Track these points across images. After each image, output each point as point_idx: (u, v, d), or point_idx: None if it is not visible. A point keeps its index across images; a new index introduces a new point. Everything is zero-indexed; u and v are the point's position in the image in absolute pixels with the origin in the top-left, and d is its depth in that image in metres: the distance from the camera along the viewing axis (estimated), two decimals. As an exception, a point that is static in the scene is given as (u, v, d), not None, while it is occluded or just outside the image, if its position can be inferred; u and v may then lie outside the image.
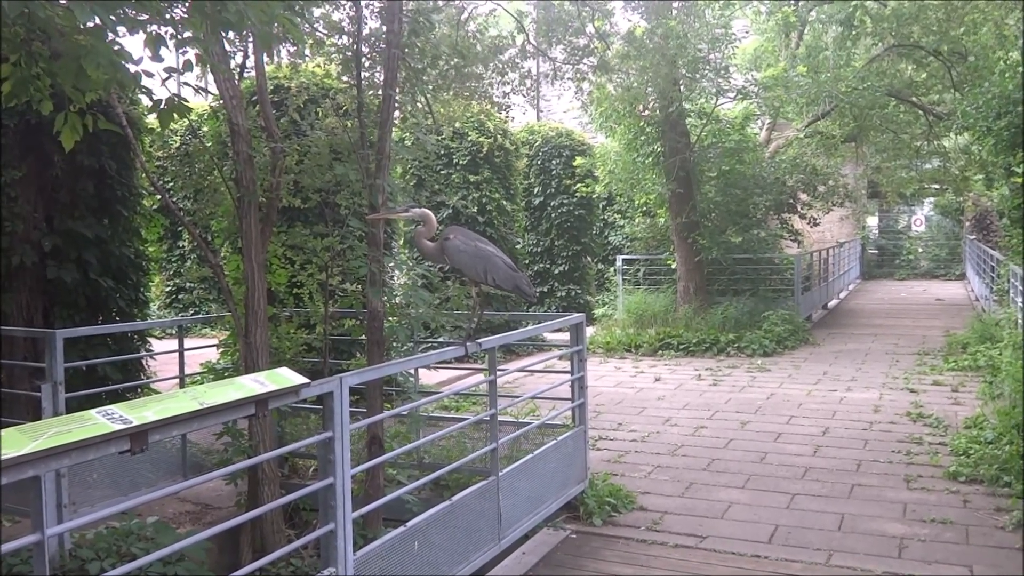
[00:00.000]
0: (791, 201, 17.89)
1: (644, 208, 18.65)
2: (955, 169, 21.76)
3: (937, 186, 27.23)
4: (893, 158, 22.99)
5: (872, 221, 33.84)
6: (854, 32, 16.68)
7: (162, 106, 4.45)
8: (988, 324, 14.29)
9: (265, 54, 6.33)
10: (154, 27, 4.00)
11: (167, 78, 4.44)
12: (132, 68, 4.02)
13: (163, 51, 4.02)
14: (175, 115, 4.49)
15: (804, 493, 7.00)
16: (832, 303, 22.63)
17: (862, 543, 5.88)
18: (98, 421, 2.68)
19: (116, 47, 3.88)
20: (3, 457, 2.34)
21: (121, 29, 3.92)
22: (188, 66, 4.39)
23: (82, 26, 3.62)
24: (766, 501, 6.83)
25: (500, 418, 5.59)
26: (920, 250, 32.36)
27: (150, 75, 4.27)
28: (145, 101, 5.00)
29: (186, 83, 5.44)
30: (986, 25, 15.51)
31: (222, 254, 8.84)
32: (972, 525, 6.16)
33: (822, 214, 19.21)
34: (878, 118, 18.24)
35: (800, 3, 18.26)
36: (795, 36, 18.79)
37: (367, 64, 6.41)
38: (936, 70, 17.18)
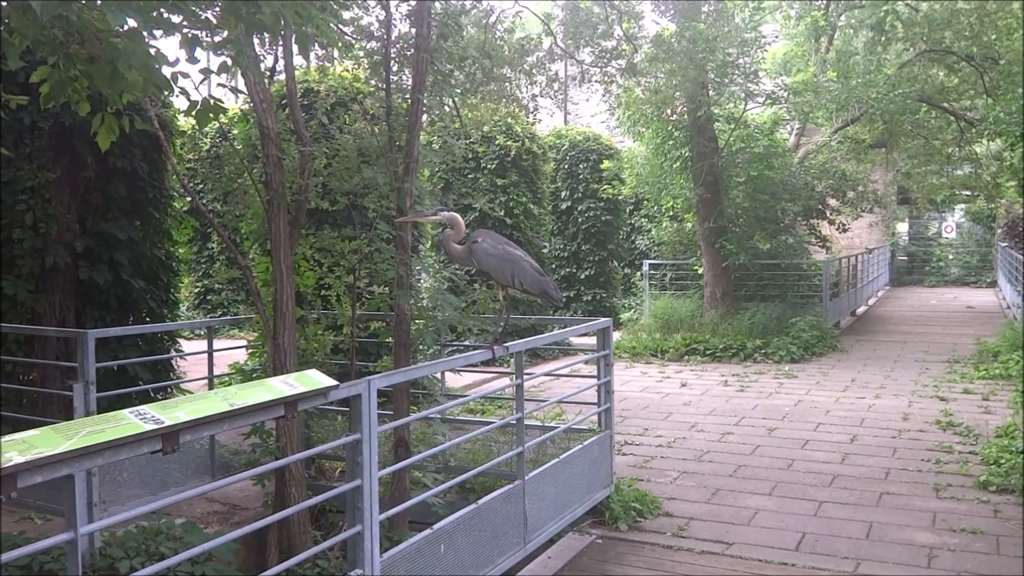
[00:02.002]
0: (820, 207, 17.73)
1: (671, 213, 18.59)
2: (987, 175, 21.50)
3: (968, 192, 26.90)
4: (924, 164, 22.74)
5: (902, 227, 33.48)
6: (885, 37, 16.50)
7: (198, 107, 4.50)
8: (1020, 332, 14.11)
9: (297, 57, 6.36)
10: (188, 29, 4.03)
11: (203, 79, 4.48)
12: (168, 70, 4.07)
13: (198, 53, 4.05)
14: (209, 116, 4.54)
15: (832, 501, 6.94)
16: (861, 310, 22.41)
17: (891, 552, 5.82)
18: (131, 421, 2.71)
19: (152, 50, 3.91)
20: (39, 456, 2.37)
21: (157, 31, 3.96)
22: (223, 67, 4.43)
23: (117, 28, 3.66)
24: (793, 508, 6.78)
25: (526, 422, 5.58)
26: (951, 257, 31.95)
27: (186, 76, 4.31)
28: (178, 103, 5.05)
29: (221, 84, 5.49)
30: (1019, 30, 15.30)
31: (251, 256, 8.90)
32: (1003, 535, 6.08)
33: (851, 220, 19.03)
34: (909, 123, 18.02)
35: (830, 7, 18.11)
36: (825, 41, 18.61)
37: (396, 68, 6.43)
38: (968, 75, 16.94)
